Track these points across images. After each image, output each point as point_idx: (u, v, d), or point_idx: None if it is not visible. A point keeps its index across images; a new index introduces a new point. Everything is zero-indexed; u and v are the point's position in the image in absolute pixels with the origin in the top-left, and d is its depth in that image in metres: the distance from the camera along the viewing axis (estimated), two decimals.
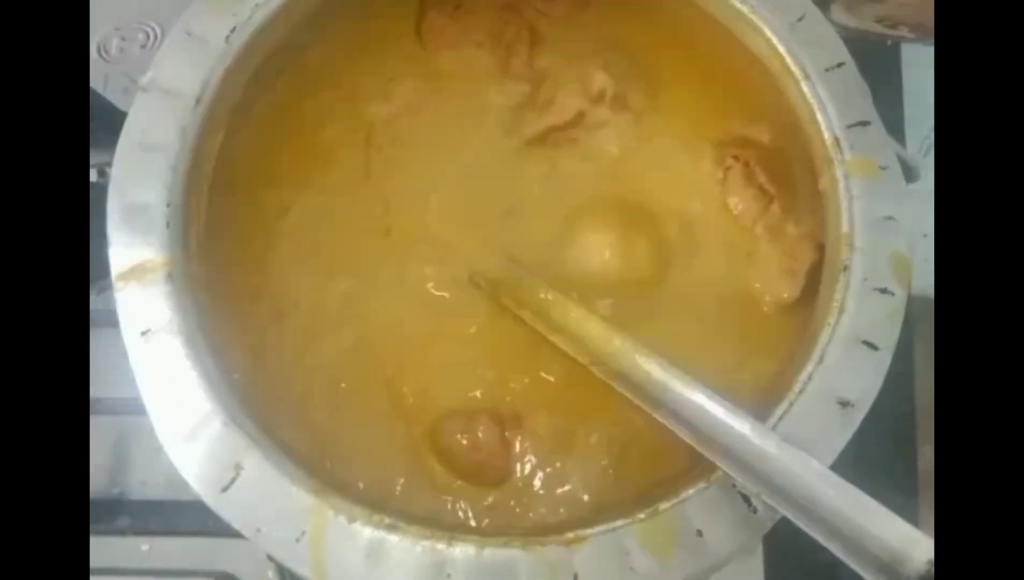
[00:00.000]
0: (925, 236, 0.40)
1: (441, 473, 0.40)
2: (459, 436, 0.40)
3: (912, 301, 0.37)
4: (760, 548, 0.48)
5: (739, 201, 0.44)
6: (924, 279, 0.40)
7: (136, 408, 0.43)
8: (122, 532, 0.50)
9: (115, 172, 0.37)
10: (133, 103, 0.38)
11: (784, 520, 0.33)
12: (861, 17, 0.55)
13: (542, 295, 0.42)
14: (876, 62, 0.39)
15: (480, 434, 0.40)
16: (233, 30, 0.38)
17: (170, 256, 0.36)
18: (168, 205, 0.37)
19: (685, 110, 0.46)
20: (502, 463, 0.40)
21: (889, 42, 0.59)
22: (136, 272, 0.36)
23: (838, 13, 0.54)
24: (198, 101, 0.38)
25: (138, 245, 0.36)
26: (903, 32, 0.58)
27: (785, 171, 0.42)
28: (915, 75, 0.60)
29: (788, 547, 0.36)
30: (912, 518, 0.50)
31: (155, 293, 0.36)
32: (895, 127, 0.56)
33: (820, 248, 0.40)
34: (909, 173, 0.40)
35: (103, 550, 0.50)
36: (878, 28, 0.57)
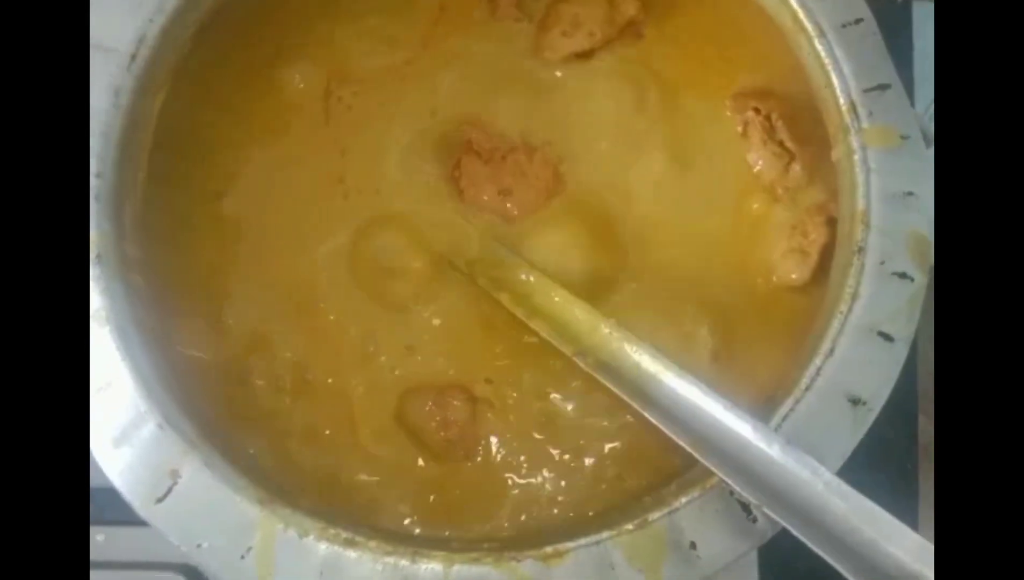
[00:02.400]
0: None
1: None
2: (429, 411, 0.37)
3: None
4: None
5: (758, 157, 0.40)
6: None
7: None
8: None
9: None
10: None
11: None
12: None
13: (523, 276, 0.38)
14: (885, 21, 0.35)
15: (450, 412, 0.37)
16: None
17: (99, 234, 0.32)
18: (98, 176, 0.33)
19: (697, 62, 0.41)
20: (471, 441, 0.37)
21: (900, 0, 0.55)
22: None
23: None
24: (133, 58, 0.34)
25: None
26: None
27: (811, 129, 0.37)
28: (926, 35, 0.57)
29: (782, 548, 0.33)
30: (913, 499, 0.48)
31: None
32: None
33: (833, 224, 0.36)
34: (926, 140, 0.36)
35: None
36: None
